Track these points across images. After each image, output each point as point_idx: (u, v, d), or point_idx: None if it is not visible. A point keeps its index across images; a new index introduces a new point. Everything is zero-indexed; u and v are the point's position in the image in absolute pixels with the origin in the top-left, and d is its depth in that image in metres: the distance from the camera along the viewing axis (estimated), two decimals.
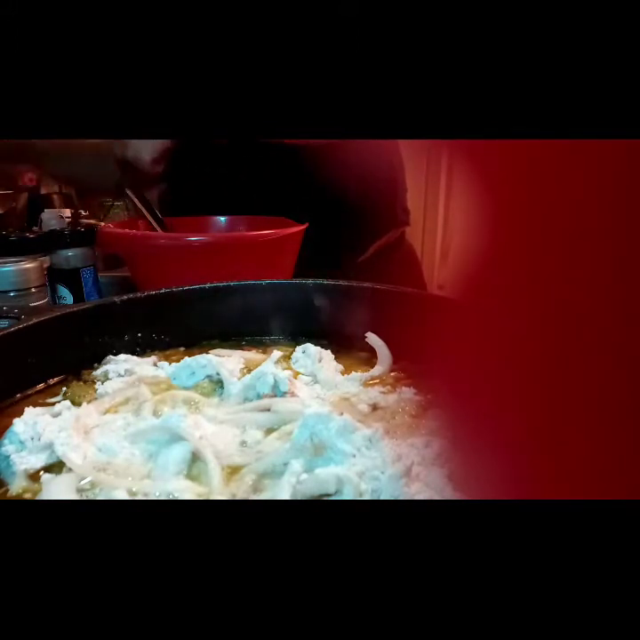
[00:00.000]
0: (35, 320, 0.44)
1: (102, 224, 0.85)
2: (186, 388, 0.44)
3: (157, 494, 0.31)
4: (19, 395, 0.43)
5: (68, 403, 0.39)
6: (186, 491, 0.31)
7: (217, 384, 0.45)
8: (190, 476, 0.33)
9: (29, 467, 0.34)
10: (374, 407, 0.41)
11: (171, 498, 0.30)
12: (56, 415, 0.37)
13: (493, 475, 0.16)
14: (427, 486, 0.29)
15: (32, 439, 0.34)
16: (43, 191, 1.40)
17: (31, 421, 0.35)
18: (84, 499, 0.31)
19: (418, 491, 0.29)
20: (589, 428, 0.14)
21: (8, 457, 0.34)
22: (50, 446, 0.34)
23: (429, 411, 0.39)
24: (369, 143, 0.91)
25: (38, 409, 0.38)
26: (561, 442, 0.14)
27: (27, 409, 0.37)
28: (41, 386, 0.45)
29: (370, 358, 0.50)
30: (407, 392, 0.43)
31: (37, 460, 0.34)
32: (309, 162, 0.82)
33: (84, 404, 0.41)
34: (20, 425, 0.35)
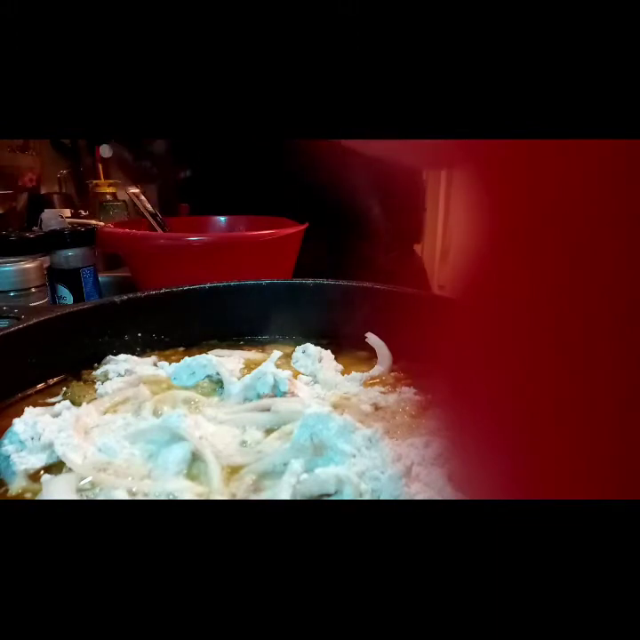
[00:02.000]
0: (35, 320, 0.44)
1: (102, 224, 0.85)
2: (186, 388, 0.44)
3: (157, 494, 0.31)
4: (19, 395, 0.43)
5: (68, 403, 0.39)
6: (186, 491, 0.31)
7: (217, 384, 0.45)
8: (190, 476, 0.33)
9: (29, 467, 0.34)
10: (374, 407, 0.41)
11: (171, 498, 0.30)
12: (56, 415, 0.37)
13: (493, 475, 0.16)
14: (427, 486, 0.29)
15: (32, 439, 0.34)
16: (43, 191, 1.40)
17: (31, 421, 0.35)
18: (84, 499, 0.31)
19: (418, 491, 0.29)
20: (590, 428, 0.14)
21: (8, 457, 0.34)
22: (50, 446, 0.34)
23: (429, 411, 0.39)
24: (392, 156, 0.90)
25: (38, 409, 0.38)
26: (561, 441, 0.14)
27: (27, 409, 0.37)
28: (41, 386, 0.45)
29: (370, 358, 0.50)
30: (407, 392, 0.43)
31: (37, 460, 0.34)
32: (317, 165, 0.82)
33: (84, 403, 0.41)
34: (20, 425, 0.35)
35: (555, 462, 0.15)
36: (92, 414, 0.39)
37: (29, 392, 0.44)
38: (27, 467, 0.34)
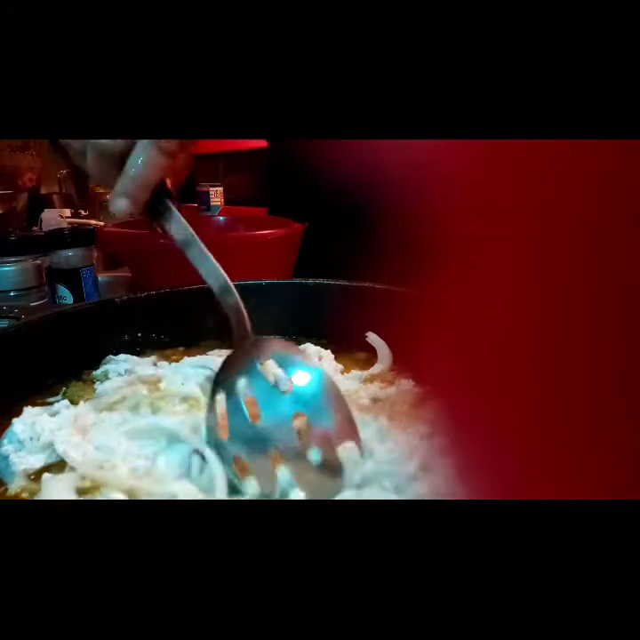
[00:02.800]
0: (35, 320, 0.44)
1: (102, 224, 0.85)
2: (186, 388, 0.44)
3: (157, 494, 0.31)
4: (18, 395, 0.43)
5: (66, 402, 0.39)
6: (186, 491, 0.31)
7: None
8: (190, 477, 0.33)
9: (28, 467, 0.34)
10: (374, 400, 0.41)
11: (171, 498, 0.30)
12: (54, 414, 0.37)
13: (493, 474, 0.16)
14: (430, 484, 0.29)
15: (31, 439, 0.34)
16: (43, 191, 1.40)
17: (30, 421, 0.35)
18: (84, 498, 0.31)
19: (421, 488, 0.29)
20: (590, 427, 0.14)
21: (7, 457, 0.34)
22: (49, 446, 0.34)
23: (428, 401, 0.39)
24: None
25: (37, 409, 0.38)
26: (561, 442, 0.14)
27: (26, 409, 0.37)
28: (40, 386, 0.45)
29: (370, 358, 0.50)
30: (406, 384, 0.43)
31: (36, 460, 0.34)
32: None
33: (82, 402, 0.41)
34: (18, 425, 0.35)
35: (555, 462, 0.15)
36: (91, 413, 0.39)
37: (29, 392, 0.44)
38: (26, 467, 0.34)
